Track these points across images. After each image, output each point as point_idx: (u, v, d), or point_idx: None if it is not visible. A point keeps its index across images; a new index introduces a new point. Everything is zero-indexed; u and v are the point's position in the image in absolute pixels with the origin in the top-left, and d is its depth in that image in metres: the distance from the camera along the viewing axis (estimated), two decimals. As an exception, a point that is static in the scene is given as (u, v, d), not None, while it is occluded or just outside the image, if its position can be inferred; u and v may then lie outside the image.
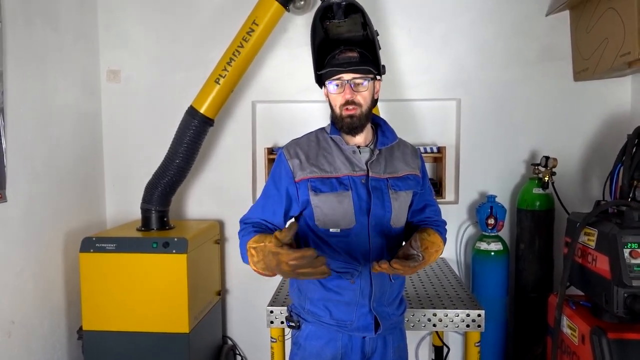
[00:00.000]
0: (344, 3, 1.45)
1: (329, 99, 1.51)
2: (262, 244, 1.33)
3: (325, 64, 1.49)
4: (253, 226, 1.49)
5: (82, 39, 2.80)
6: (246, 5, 2.56)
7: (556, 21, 2.77)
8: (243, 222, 1.55)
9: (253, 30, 2.50)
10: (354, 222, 1.47)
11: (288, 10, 2.58)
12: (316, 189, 1.46)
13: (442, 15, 2.83)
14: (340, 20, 1.47)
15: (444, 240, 1.62)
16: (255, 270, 1.40)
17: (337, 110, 1.47)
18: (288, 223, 1.34)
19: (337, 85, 1.45)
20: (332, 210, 1.46)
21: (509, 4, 2.79)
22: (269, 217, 1.52)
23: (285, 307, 2.04)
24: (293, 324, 1.60)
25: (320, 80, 1.54)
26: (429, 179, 1.70)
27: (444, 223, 1.67)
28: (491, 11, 2.81)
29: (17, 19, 2.23)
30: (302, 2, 2.74)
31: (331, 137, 1.53)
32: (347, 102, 1.43)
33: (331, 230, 1.48)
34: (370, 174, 1.48)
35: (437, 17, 2.85)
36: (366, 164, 1.50)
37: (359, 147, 1.53)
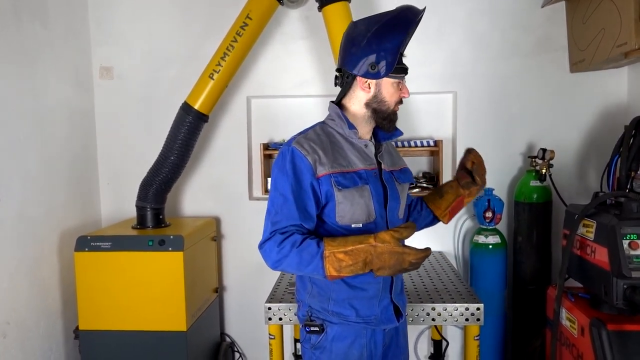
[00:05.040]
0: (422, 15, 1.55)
1: (374, 92, 1.48)
2: (362, 245, 1.34)
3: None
4: (301, 233, 1.40)
5: (73, 36, 2.76)
6: (239, -1, 2.53)
7: (552, 12, 2.75)
8: (279, 232, 1.41)
9: (247, 25, 2.47)
10: (374, 216, 1.48)
11: (282, 4, 2.55)
12: (340, 184, 1.43)
13: (436, 7, 2.80)
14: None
15: None
16: (332, 277, 1.36)
17: (392, 105, 1.50)
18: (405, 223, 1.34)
19: (400, 83, 1.51)
20: (355, 205, 1.45)
21: (504, -5, 2.78)
22: (304, 218, 1.42)
23: (283, 304, 2.04)
24: (317, 329, 1.52)
25: (379, 70, 1.46)
26: None
27: None
28: (486, 3, 2.79)
29: (4, 16, 2.19)
30: (296, -4, 2.71)
31: (337, 132, 1.53)
32: (401, 101, 1.52)
33: (353, 225, 1.46)
34: (382, 167, 1.54)
35: (432, 9, 2.78)
36: (375, 157, 1.54)
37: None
